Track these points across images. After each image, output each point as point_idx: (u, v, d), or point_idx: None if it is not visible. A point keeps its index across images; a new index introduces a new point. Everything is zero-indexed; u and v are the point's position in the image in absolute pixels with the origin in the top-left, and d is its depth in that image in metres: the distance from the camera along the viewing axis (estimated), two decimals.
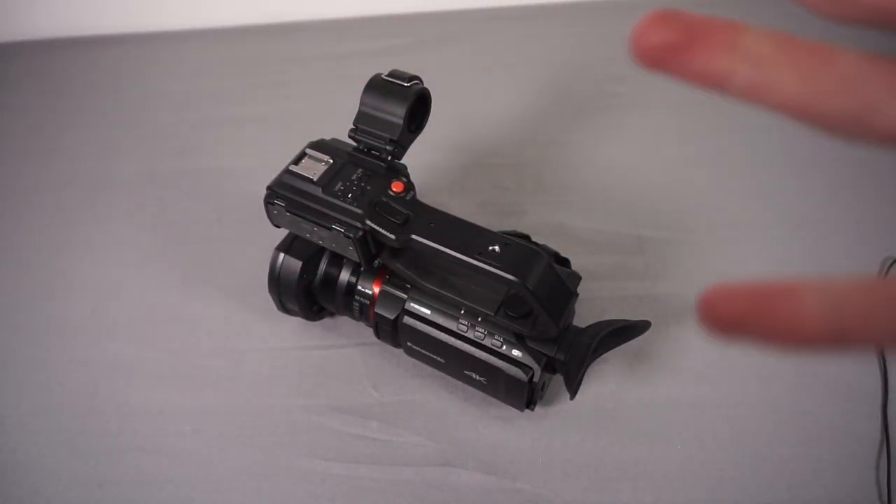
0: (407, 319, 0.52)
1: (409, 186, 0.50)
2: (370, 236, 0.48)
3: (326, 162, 0.51)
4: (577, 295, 0.50)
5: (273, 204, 0.50)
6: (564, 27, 0.89)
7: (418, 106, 0.51)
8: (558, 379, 0.54)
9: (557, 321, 0.46)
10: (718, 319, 0.16)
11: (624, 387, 0.57)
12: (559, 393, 0.55)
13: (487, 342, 0.49)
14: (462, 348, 0.50)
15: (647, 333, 0.51)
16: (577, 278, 0.52)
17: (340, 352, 0.60)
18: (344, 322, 0.61)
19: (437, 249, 0.46)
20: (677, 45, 0.16)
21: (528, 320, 0.48)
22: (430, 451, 0.54)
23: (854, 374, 0.56)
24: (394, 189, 0.49)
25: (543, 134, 0.76)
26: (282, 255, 0.54)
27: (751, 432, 0.54)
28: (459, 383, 0.55)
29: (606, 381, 0.57)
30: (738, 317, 0.16)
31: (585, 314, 0.59)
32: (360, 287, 0.54)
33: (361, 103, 0.50)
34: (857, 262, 0.63)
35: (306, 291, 0.56)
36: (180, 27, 0.94)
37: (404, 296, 0.52)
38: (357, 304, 0.55)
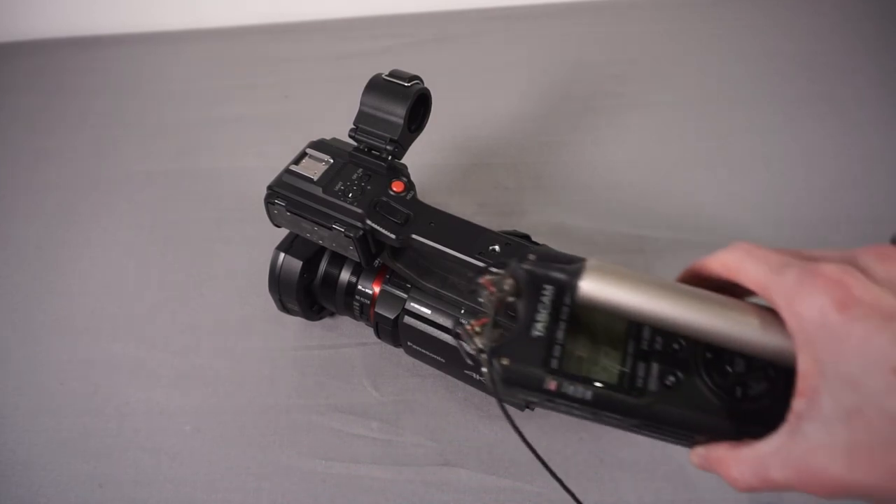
0: (407, 319, 0.52)
1: (410, 186, 0.50)
2: (370, 236, 0.48)
3: (327, 162, 0.51)
4: None
5: (273, 204, 0.50)
6: (564, 27, 0.89)
7: (418, 106, 0.51)
8: None
9: None
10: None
11: None
12: None
13: None
14: None
15: None
16: None
17: (340, 352, 0.60)
18: (344, 322, 0.61)
19: (438, 249, 0.46)
20: None
21: None
22: (430, 451, 0.54)
23: None
24: (394, 189, 0.49)
25: (543, 134, 0.76)
26: (282, 255, 0.54)
27: None
28: (459, 383, 0.55)
29: None
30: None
31: None
32: (360, 287, 0.54)
33: (361, 103, 0.50)
34: None
35: (306, 291, 0.56)
36: (179, 27, 0.94)
37: (404, 295, 0.52)
38: (357, 303, 0.55)
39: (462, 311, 0.50)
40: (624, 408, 0.30)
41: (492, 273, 0.33)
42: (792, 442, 0.25)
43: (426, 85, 0.51)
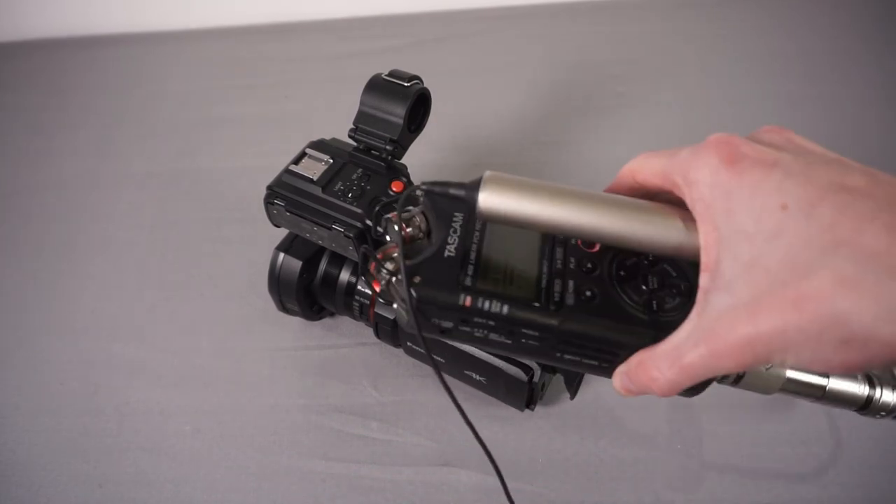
0: None
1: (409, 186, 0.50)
2: (370, 236, 0.48)
3: (326, 162, 0.51)
4: None
5: (273, 204, 0.50)
6: (564, 27, 0.89)
7: (418, 106, 0.51)
8: (558, 379, 0.54)
9: None
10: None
11: None
12: (559, 393, 0.55)
13: None
14: (462, 348, 0.50)
15: None
16: None
17: (340, 352, 0.60)
18: (344, 322, 0.61)
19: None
20: None
21: None
22: (430, 451, 0.54)
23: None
24: (394, 189, 0.49)
25: (543, 134, 0.76)
26: (282, 255, 0.54)
27: (751, 432, 0.54)
28: (459, 383, 0.55)
29: (606, 381, 0.57)
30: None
31: None
32: (360, 287, 0.54)
33: (361, 103, 0.50)
34: None
35: (306, 291, 0.56)
36: (180, 27, 0.94)
37: None
38: (357, 303, 0.55)
39: None
40: (542, 323, 0.29)
41: (399, 210, 0.32)
42: (701, 319, 0.26)
43: (426, 85, 0.51)
